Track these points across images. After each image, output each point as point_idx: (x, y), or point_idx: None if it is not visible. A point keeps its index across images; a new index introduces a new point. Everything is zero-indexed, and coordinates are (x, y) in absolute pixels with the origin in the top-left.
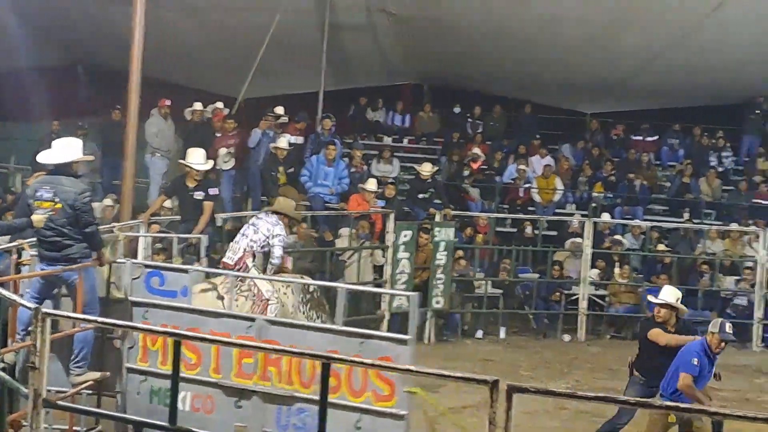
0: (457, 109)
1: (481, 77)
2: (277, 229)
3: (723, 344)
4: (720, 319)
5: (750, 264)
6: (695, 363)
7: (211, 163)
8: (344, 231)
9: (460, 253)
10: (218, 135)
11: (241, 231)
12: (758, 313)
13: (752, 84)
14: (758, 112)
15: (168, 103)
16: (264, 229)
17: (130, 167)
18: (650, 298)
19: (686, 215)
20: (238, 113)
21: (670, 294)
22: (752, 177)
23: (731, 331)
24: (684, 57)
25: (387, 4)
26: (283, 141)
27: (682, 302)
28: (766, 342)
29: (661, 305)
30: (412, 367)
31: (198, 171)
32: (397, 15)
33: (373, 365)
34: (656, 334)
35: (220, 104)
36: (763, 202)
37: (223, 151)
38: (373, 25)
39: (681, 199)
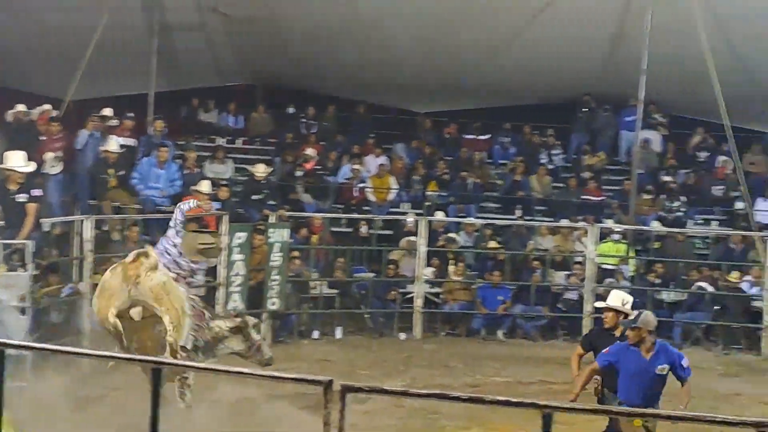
0: (290, 110)
1: (314, 77)
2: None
3: (630, 332)
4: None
5: (580, 259)
6: (605, 351)
7: (33, 165)
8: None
9: (296, 253)
10: (43, 138)
11: None
12: (588, 307)
13: (579, 83)
14: (585, 110)
15: None
16: None
17: None
18: (597, 304)
19: (518, 212)
20: (66, 115)
21: (615, 298)
22: (581, 174)
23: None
24: (513, 56)
25: (218, 4)
26: (113, 143)
27: (518, 299)
28: None
29: (607, 309)
30: (245, 370)
31: (21, 173)
32: (229, 15)
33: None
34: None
35: (47, 106)
36: (592, 198)
37: (49, 155)
38: (205, 25)
39: (513, 196)
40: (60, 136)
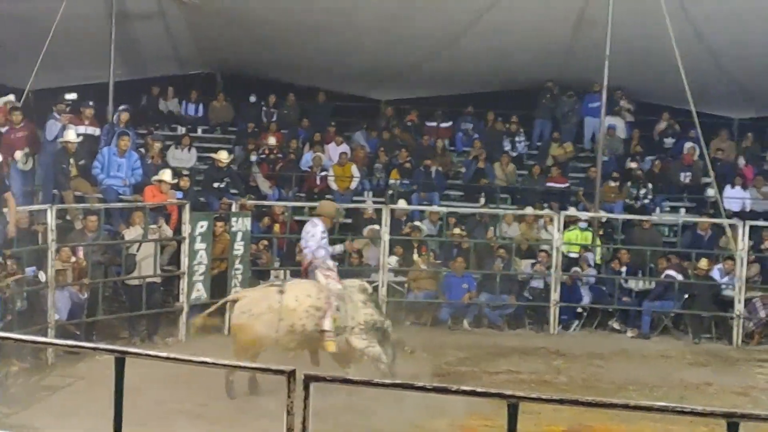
0: (252, 98)
1: (274, 66)
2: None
3: None
4: None
5: (546, 247)
6: None
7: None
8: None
9: (265, 242)
10: (4, 129)
11: None
12: (554, 296)
13: (543, 69)
14: (549, 96)
15: None
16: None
17: None
18: None
19: (482, 200)
20: (26, 105)
21: None
22: (545, 161)
23: None
24: (475, 42)
25: None
26: (71, 134)
27: (483, 288)
28: (562, 323)
29: None
30: (208, 360)
31: None
32: (187, 3)
33: (168, 358)
34: None
35: (11, 97)
36: (556, 185)
37: (18, 154)
38: (164, 13)
39: (476, 184)
40: (22, 126)
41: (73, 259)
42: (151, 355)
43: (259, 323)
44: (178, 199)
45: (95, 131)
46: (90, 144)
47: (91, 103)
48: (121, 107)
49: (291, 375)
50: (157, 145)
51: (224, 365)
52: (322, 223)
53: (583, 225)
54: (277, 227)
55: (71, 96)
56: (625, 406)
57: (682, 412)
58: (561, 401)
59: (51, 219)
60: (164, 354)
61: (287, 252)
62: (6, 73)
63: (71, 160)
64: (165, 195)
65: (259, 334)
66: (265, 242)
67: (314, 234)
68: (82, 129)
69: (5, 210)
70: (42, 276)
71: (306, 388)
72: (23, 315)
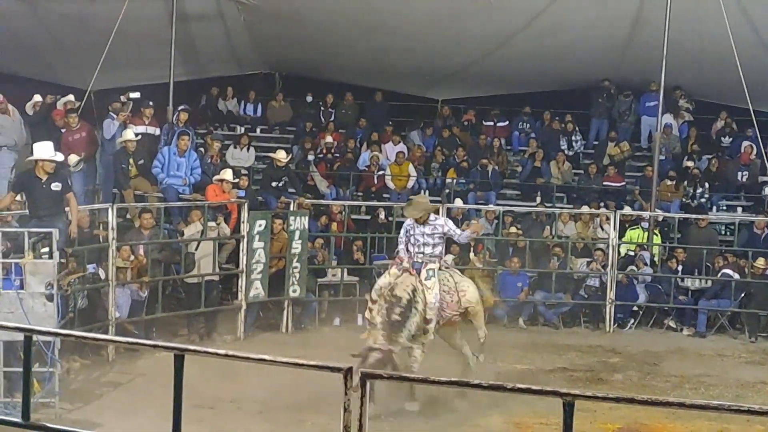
0: (309, 98)
1: (332, 65)
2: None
3: None
4: None
5: (602, 246)
6: None
7: (61, 155)
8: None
9: (320, 241)
10: (63, 131)
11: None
12: (610, 294)
13: (599, 68)
14: (605, 95)
15: (0, 98)
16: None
17: None
18: None
19: (538, 199)
20: (87, 106)
21: None
22: (601, 160)
23: None
24: (531, 42)
25: None
26: (129, 133)
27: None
28: (618, 322)
29: None
30: (266, 357)
31: (51, 163)
32: (246, 4)
33: (227, 355)
34: None
35: (71, 97)
36: (613, 184)
37: (73, 158)
38: (222, 14)
39: (533, 183)
40: (79, 128)
41: (132, 257)
42: (209, 352)
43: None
44: (239, 198)
45: (155, 131)
46: (150, 143)
47: (150, 102)
48: (181, 107)
49: (348, 372)
50: (216, 145)
51: (282, 362)
52: (409, 220)
53: (645, 225)
54: (334, 226)
55: (135, 95)
56: (681, 405)
57: (738, 411)
58: (617, 399)
59: (112, 218)
60: (222, 351)
61: (344, 250)
62: (67, 74)
63: (130, 160)
64: (227, 194)
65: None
66: (321, 240)
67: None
68: (141, 128)
69: (67, 209)
70: (101, 273)
71: (363, 385)
72: (84, 312)
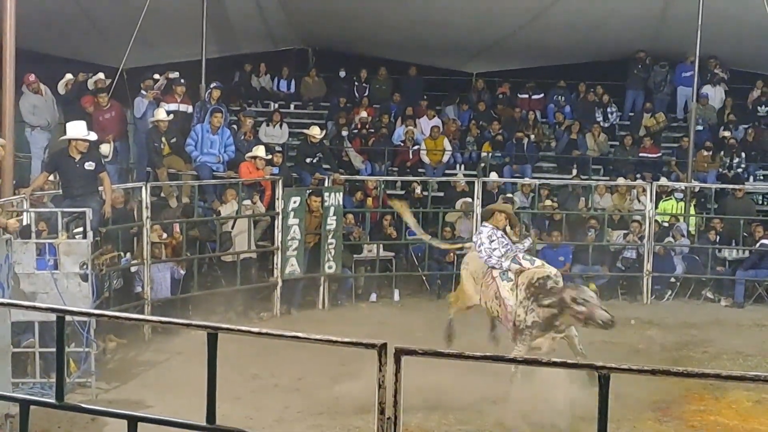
0: (342, 73)
1: (365, 40)
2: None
3: None
4: None
5: (638, 218)
6: None
7: (94, 134)
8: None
9: (351, 217)
10: (92, 110)
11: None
12: (647, 266)
13: (634, 39)
14: (640, 66)
15: (33, 78)
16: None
17: (9, 143)
18: None
19: (574, 171)
20: (119, 84)
21: None
22: (637, 132)
23: None
24: (565, 13)
25: None
26: (161, 113)
27: (576, 259)
28: (656, 293)
29: None
30: (300, 334)
31: (85, 142)
32: None
33: (260, 333)
34: None
35: (101, 75)
36: (649, 155)
37: (105, 147)
38: None
39: (568, 155)
40: (109, 107)
41: (164, 235)
42: (243, 330)
43: (468, 279)
44: (273, 174)
45: (187, 108)
46: (182, 121)
47: (182, 80)
48: (214, 84)
49: (382, 348)
50: (250, 122)
51: (316, 339)
52: (488, 226)
53: (679, 195)
54: (369, 201)
55: (174, 74)
56: (717, 376)
57: None
58: (653, 372)
59: (146, 196)
60: (256, 329)
61: (378, 226)
62: (99, 52)
63: (163, 138)
64: (261, 171)
65: (466, 290)
66: (351, 216)
67: (481, 243)
68: (174, 106)
69: (100, 189)
70: (128, 255)
71: (397, 361)
72: (119, 292)
